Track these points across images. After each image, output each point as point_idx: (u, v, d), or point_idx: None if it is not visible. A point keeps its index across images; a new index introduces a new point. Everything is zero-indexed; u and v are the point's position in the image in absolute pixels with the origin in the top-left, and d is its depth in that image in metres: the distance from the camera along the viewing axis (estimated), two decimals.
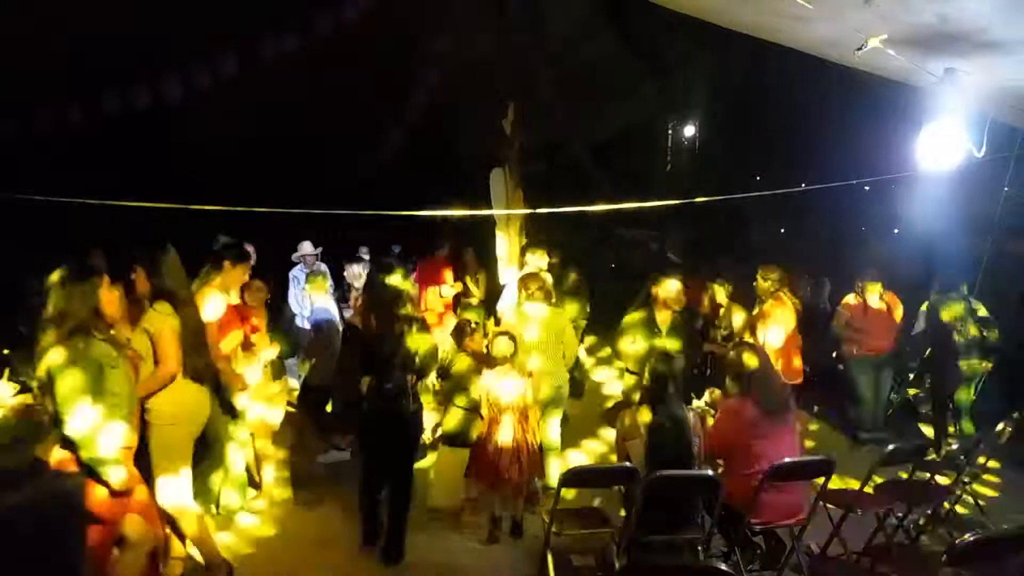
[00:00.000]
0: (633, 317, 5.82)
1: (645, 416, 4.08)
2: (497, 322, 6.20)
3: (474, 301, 7.92)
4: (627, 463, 4.03)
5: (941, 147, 4.24)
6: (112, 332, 3.49)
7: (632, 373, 5.73)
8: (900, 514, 4.57)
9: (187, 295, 4.07)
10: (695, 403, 5.49)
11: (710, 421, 4.61)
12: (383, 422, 4.45)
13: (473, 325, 5.34)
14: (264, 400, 5.05)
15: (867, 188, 8.35)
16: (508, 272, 7.46)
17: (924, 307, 6.74)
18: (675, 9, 4.93)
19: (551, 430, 5.46)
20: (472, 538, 4.83)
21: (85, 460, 3.22)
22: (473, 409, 4.91)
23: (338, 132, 9.72)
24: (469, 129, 9.69)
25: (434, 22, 8.62)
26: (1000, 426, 4.84)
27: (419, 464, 5.26)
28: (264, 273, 5.58)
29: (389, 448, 4.50)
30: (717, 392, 5.28)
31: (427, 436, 5.54)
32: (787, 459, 3.99)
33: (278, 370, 5.23)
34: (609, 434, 5.97)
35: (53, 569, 2.69)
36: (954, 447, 5.70)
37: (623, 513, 4.35)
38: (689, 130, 13.61)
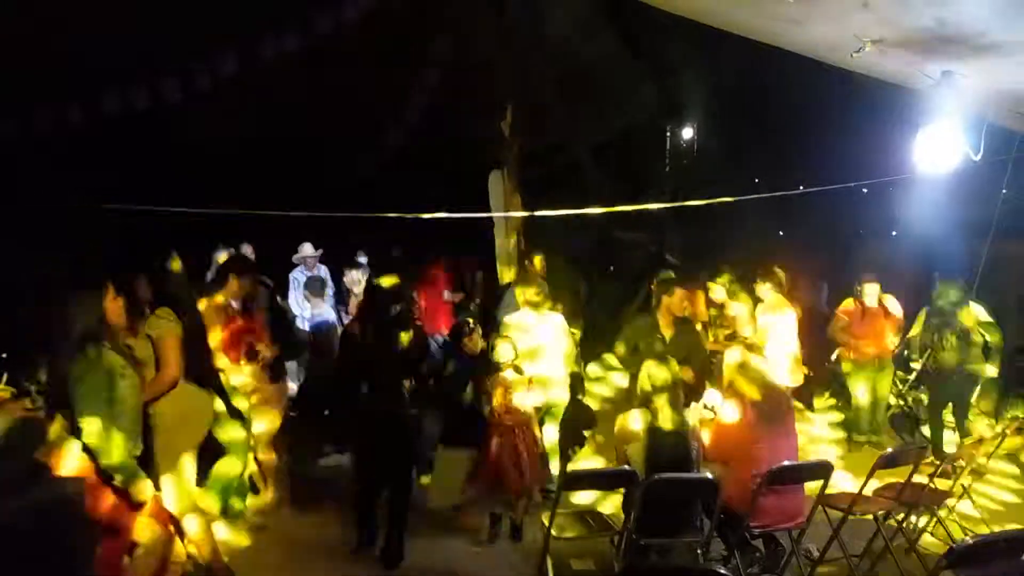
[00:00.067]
0: (635, 321, 5.82)
1: (644, 419, 4.07)
2: (496, 327, 6.19)
3: (472, 305, 7.92)
4: (626, 466, 4.03)
5: (938, 150, 4.25)
6: (118, 340, 3.49)
7: (632, 376, 5.73)
8: (899, 517, 4.57)
9: (189, 300, 4.07)
10: (694, 406, 5.48)
11: (709, 425, 4.60)
12: (379, 426, 4.44)
13: (472, 325, 5.34)
14: (262, 404, 5.05)
15: (865, 191, 8.35)
16: (506, 275, 7.47)
17: (922, 314, 6.73)
18: (672, 12, 4.94)
19: (550, 435, 5.46)
20: (471, 541, 4.82)
21: (104, 468, 3.22)
22: (471, 408, 4.90)
23: (337, 134, 9.71)
24: (467, 132, 9.70)
25: (433, 25, 8.62)
26: (1000, 427, 4.85)
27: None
28: (265, 274, 5.57)
29: (386, 452, 4.50)
30: (716, 395, 5.27)
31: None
32: (786, 462, 3.99)
33: (278, 373, 5.22)
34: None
35: (56, 572, 2.68)
36: (953, 449, 5.70)
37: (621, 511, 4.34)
38: (687, 132, 13.61)
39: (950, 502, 4.83)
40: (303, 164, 9.76)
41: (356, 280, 7.36)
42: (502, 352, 4.82)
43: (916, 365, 6.84)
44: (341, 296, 7.84)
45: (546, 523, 4.04)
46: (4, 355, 4.49)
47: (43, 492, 2.71)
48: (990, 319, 6.48)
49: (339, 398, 5.54)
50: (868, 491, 4.38)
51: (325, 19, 7.14)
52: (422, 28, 8.58)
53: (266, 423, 5.13)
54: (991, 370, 6.52)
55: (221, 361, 4.60)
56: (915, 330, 6.76)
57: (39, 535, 2.60)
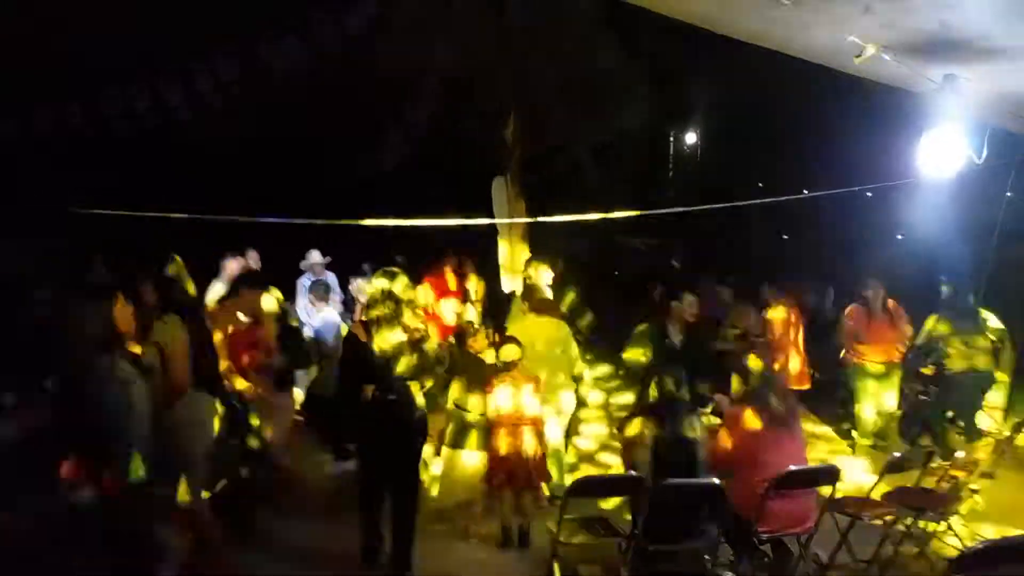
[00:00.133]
0: (644, 327, 5.82)
1: (651, 426, 4.07)
2: (502, 332, 6.21)
3: (475, 310, 7.92)
4: (633, 472, 4.03)
5: (942, 153, 4.25)
6: (127, 348, 3.50)
7: (641, 382, 5.74)
8: (908, 521, 4.55)
9: (195, 307, 4.09)
10: (700, 411, 5.48)
11: (716, 430, 4.60)
12: (384, 428, 4.42)
13: (476, 327, 5.36)
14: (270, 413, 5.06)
15: (869, 195, 8.36)
16: (510, 281, 7.48)
17: (929, 322, 6.71)
18: (675, 17, 4.95)
19: (557, 439, 5.46)
20: (479, 548, 4.82)
21: (133, 478, 3.24)
22: (461, 408, 4.92)
23: (340, 140, 9.74)
24: (470, 138, 9.74)
25: (435, 32, 8.65)
26: (1009, 432, 4.83)
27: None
28: (272, 281, 5.57)
29: (391, 458, 4.48)
30: (723, 400, 5.28)
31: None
32: (793, 467, 3.98)
33: (285, 382, 5.23)
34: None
35: None
36: (961, 454, 5.67)
37: (628, 517, 4.34)
38: (691, 138, 13.65)
39: (959, 506, 4.81)
40: (305, 169, 9.80)
41: (362, 288, 7.38)
42: (508, 352, 4.84)
43: (927, 371, 6.83)
44: (347, 304, 7.86)
45: (554, 529, 4.04)
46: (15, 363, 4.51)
47: (56, 503, 2.71)
48: (1000, 325, 6.46)
49: (343, 400, 5.56)
50: (876, 495, 4.37)
51: (330, 25, 7.18)
52: (423, 39, 8.62)
53: (274, 432, 5.14)
54: (1001, 375, 6.50)
55: (227, 369, 4.60)
56: (923, 336, 6.74)
57: (51, 544, 2.60)
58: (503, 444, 4.72)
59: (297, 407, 5.79)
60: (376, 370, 4.43)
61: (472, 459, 4.94)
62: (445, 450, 5.16)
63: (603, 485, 4.58)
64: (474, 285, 8.23)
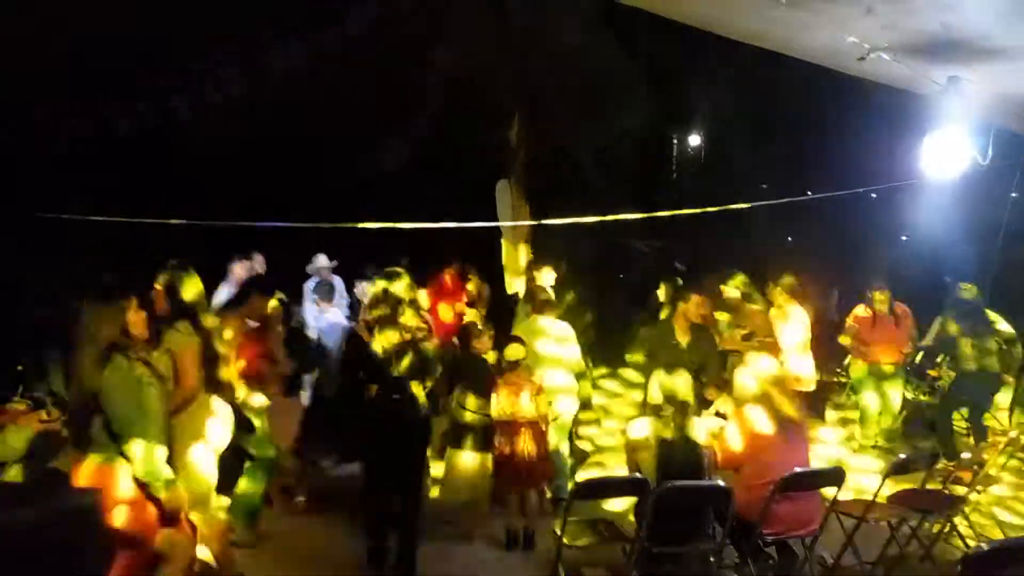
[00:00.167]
0: (650, 329, 5.82)
1: (656, 427, 4.07)
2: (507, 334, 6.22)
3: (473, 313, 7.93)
4: (638, 474, 4.03)
5: (946, 155, 4.25)
6: (140, 353, 3.51)
7: (646, 383, 5.74)
8: (913, 524, 4.54)
9: (206, 314, 4.10)
10: (705, 413, 5.48)
11: (721, 431, 4.59)
12: (387, 431, 4.43)
13: (480, 327, 5.38)
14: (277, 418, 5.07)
15: (874, 196, 8.35)
16: (514, 284, 7.49)
17: (937, 322, 6.69)
18: (677, 19, 4.96)
19: (563, 441, 5.49)
20: (484, 550, 4.82)
21: (140, 477, 3.25)
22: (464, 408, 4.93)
23: (343, 142, 9.76)
24: (474, 141, 9.75)
25: (439, 35, 8.68)
26: (1014, 433, 4.82)
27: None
28: (277, 285, 5.58)
29: (395, 458, 4.48)
30: (728, 401, 5.27)
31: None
32: (798, 469, 3.98)
33: (293, 387, 5.23)
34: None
35: None
36: (968, 455, 5.66)
37: (632, 518, 4.33)
38: (695, 139, 13.65)
39: (965, 508, 4.79)
40: (307, 172, 9.81)
41: (366, 291, 7.40)
42: (513, 351, 4.85)
43: (934, 373, 6.81)
44: (353, 307, 7.86)
45: (558, 531, 4.04)
46: (20, 367, 4.53)
47: (60, 502, 2.72)
48: (1009, 328, 6.44)
49: (345, 400, 5.57)
50: (882, 497, 4.36)
51: (333, 28, 7.21)
52: (427, 41, 8.65)
53: (281, 436, 5.15)
54: (1008, 376, 6.48)
55: (235, 375, 4.61)
56: (929, 339, 6.73)
57: (54, 545, 2.61)
58: (507, 444, 4.73)
59: (304, 410, 5.79)
60: (378, 370, 4.44)
61: (472, 460, 4.94)
62: (447, 451, 5.17)
63: (608, 487, 4.57)
64: (477, 288, 8.24)
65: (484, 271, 8.39)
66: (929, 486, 4.71)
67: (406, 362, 4.37)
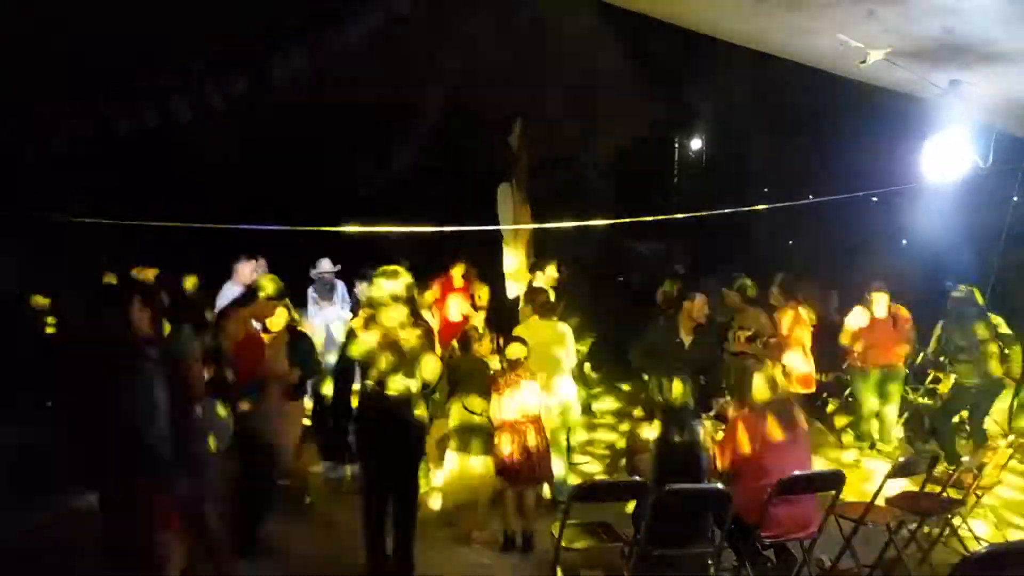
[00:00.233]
0: (654, 330, 5.83)
1: (655, 430, 4.07)
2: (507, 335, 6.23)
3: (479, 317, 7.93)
4: (636, 477, 4.02)
5: (947, 158, 4.25)
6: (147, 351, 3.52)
7: (646, 385, 5.75)
8: (912, 526, 4.54)
9: (210, 316, 4.11)
10: (704, 416, 5.48)
11: (719, 435, 4.60)
12: (383, 432, 4.40)
13: (481, 331, 5.39)
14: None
15: (875, 199, 8.35)
16: (515, 288, 7.50)
17: (937, 328, 6.68)
18: (677, 23, 4.97)
19: (561, 440, 5.49)
20: (482, 553, 4.81)
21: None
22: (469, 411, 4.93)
23: (344, 145, 9.77)
24: (476, 145, 9.76)
25: (441, 39, 8.69)
26: (1012, 436, 4.82)
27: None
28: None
29: (390, 459, 4.46)
30: (726, 403, 5.27)
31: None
32: (797, 472, 3.97)
33: (297, 391, 5.21)
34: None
35: None
36: (966, 458, 5.66)
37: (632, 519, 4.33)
38: (696, 143, 13.66)
39: (963, 511, 4.79)
40: (308, 175, 9.82)
41: (365, 290, 7.41)
42: (514, 351, 4.86)
43: (938, 376, 6.80)
44: (355, 309, 7.86)
45: (556, 534, 4.04)
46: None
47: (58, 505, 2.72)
48: (1008, 331, 6.43)
49: (340, 396, 5.56)
50: (880, 500, 4.36)
51: (336, 30, 7.22)
52: (429, 45, 8.65)
53: (284, 440, 5.13)
54: (1008, 381, 6.47)
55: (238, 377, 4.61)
56: (933, 345, 6.72)
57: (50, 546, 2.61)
58: (508, 444, 4.73)
59: (307, 415, 5.80)
60: (377, 367, 4.41)
61: (478, 464, 4.94)
62: (451, 455, 5.16)
63: (607, 490, 4.57)
64: (478, 291, 8.24)
65: (486, 275, 8.39)
66: (928, 489, 4.71)
67: (384, 363, 4.30)
